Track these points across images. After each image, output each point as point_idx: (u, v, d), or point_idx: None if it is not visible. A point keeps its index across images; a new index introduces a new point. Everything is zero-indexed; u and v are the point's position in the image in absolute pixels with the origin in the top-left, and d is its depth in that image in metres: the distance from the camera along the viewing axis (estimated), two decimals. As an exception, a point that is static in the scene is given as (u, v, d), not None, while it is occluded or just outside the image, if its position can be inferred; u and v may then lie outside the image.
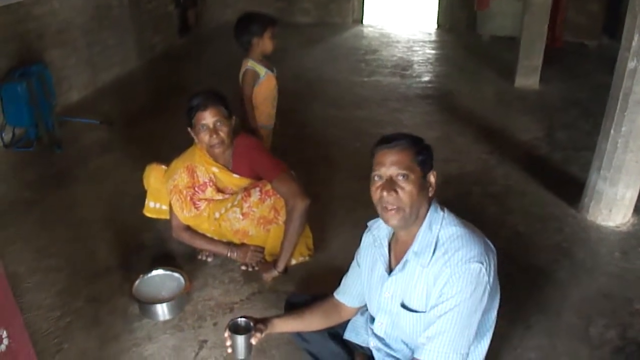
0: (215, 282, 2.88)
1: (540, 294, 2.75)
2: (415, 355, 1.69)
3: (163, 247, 3.14)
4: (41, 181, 3.86)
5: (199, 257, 3.01)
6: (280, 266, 2.75)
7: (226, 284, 2.86)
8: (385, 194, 1.68)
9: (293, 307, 2.14)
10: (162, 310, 2.57)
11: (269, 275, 2.79)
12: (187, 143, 2.89)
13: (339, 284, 2.08)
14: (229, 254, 2.90)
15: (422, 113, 5.25)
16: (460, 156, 4.29)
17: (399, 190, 1.66)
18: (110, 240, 3.19)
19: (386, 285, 1.81)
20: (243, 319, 1.90)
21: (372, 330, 1.92)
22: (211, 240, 2.92)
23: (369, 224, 1.96)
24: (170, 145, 3.20)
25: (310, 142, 4.53)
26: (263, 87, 3.51)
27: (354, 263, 2.03)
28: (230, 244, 2.91)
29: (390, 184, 1.67)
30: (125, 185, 3.70)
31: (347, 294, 2.03)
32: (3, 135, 4.26)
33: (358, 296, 2.01)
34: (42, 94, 4.26)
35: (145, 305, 2.57)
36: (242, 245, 2.90)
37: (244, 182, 2.76)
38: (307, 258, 2.92)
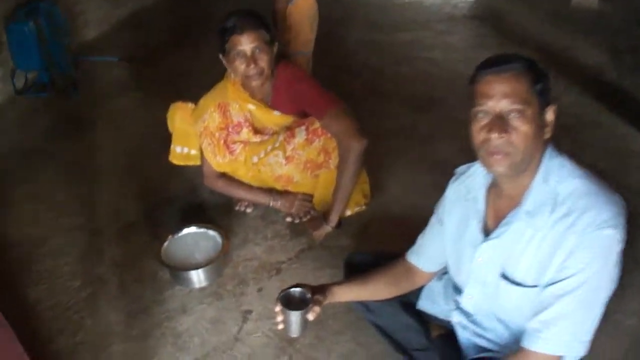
0: (257, 237, 2.46)
1: (635, 247, 2.23)
2: (525, 344, 1.30)
3: (194, 198, 2.72)
4: (57, 129, 3.44)
5: (237, 208, 2.60)
6: (333, 220, 2.31)
7: (270, 240, 2.44)
8: (494, 135, 1.25)
9: (353, 269, 1.81)
10: (198, 277, 2.18)
11: (320, 233, 2.36)
12: (215, 79, 2.42)
13: (407, 240, 1.69)
14: (271, 203, 2.48)
15: (472, 35, 4.66)
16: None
17: (512, 132, 1.24)
18: (134, 193, 2.78)
19: (481, 250, 1.40)
20: (297, 289, 1.54)
21: (457, 302, 1.53)
22: (250, 187, 2.49)
23: (457, 170, 1.55)
24: (197, 83, 2.72)
25: (353, 70, 4.00)
26: (299, 5, 2.96)
27: (433, 219, 1.61)
28: (272, 192, 2.48)
29: (501, 123, 1.25)
30: (148, 129, 3.26)
31: (424, 255, 1.62)
32: (14, 81, 3.84)
33: (438, 259, 1.61)
34: (52, 33, 3.80)
35: (177, 271, 2.17)
36: (287, 193, 2.46)
37: (286, 120, 2.30)
38: (363, 207, 2.47)
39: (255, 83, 2.18)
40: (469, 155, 1.39)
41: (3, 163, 3.11)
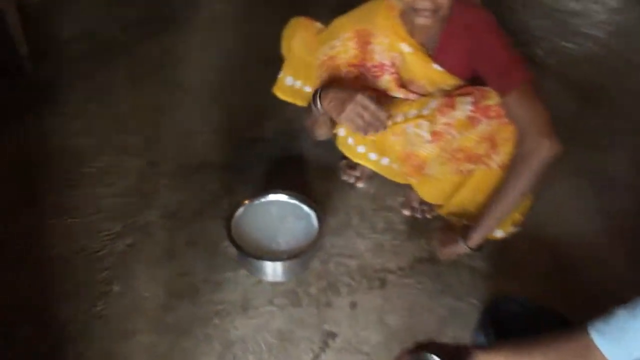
0: (362, 225, 1.79)
1: None
2: None
3: (291, 149, 2.04)
4: (141, 22, 2.81)
5: (344, 177, 1.93)
6: (476, 239, 1.58)
7: (379, 233, 1.76)
8: None
9: (497, 323, 1.34)
10: (274, 269, 1.53)
11: (450, 251, 1.65)
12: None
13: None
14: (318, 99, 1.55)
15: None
16: None
17: None
18: (214, 125, 2.13)
19: None
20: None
21: None
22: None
23: None
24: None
25: (507, 29, 3.15)
26: None
27: None
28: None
29: None
30: (252, 42, 2.58)
31: (623, 346, 1.05)
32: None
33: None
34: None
35: (248, 257, 1.52)
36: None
37: (447, 80, 1.55)
38: (518, 228, 1.71)
39: (422, 21, 1.43)
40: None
41: (71, 50, 2.52)
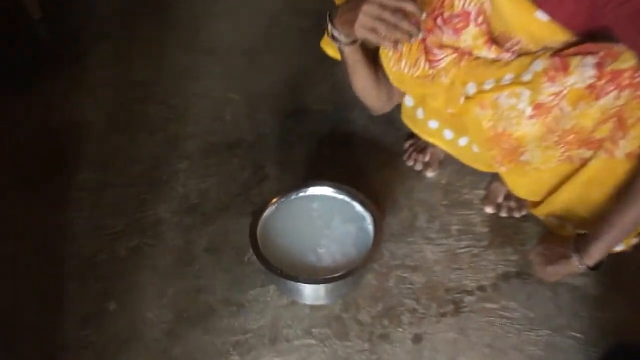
0: (432, 227, 1.37)
1: None
2: None
3: (339, 124, 1.62)
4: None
5: (409, 162, 1.51)
6: (596, 255, 1.12)
7: (452, 238, 1.35)
8: None
9: None
10: (313, 291, 1.14)
11: (558, 271, 1.20)
12: None
13: None
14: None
15: None
16: None
17: None
18: (245, 90, 1.72)
19: None
20: None
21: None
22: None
23: None
24: None
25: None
26: None
27: None
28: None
29: None
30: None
31: None
32: None
33: None
34: None
35: (278, 276, 1.13)
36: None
37: (557, 34, 1.09)
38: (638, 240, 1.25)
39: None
40: None
41: (87, 13, 2.15)
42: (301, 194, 1.25)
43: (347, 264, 1.13)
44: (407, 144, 1.53)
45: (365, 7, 0.99)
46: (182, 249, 1.31)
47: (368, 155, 1.53)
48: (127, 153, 1.54)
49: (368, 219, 1.21)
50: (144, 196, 1.43)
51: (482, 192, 1.43)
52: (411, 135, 1.48)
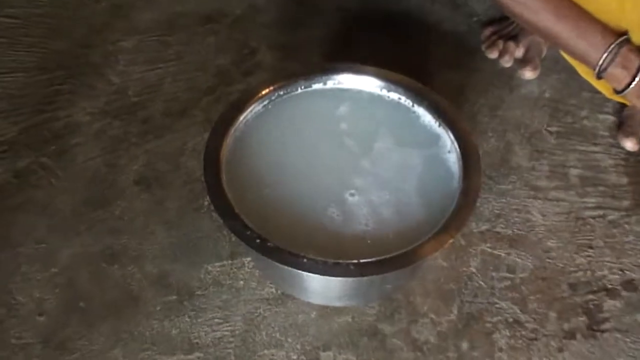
0: (538, 167, 0.79)
1: None
2: None
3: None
4: None
5: (491, 53, 0.92)
6: None
7: (576, 189, 0.77)
8: None
9: None
10: (335, 285, 0.55)
11: None
12: None
13: None
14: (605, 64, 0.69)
15: None
16: None
17: None
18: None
19: None
20: None
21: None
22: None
23: None
24: None
25: None
26: None
27: None
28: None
29: None
30: None
31: None
32: None
33: None
34: None
35: (256, 251, 0.53)
36: None
37: None
38: None
39: None
40: None
41: None
42: (316, 86, 0.65)
43: (403, 232, 0.55)
44: (487, 30, 0.93)
45: None
46: (99, 178, 0.74)
47: (426, 47, 0.92)
48: (48, 22, 0.94)
49: (447, 141, 0.61)
50: (56, 87, 0.85)
51: (610, 118, 0.84)
52: (492, 21, 0.90)
